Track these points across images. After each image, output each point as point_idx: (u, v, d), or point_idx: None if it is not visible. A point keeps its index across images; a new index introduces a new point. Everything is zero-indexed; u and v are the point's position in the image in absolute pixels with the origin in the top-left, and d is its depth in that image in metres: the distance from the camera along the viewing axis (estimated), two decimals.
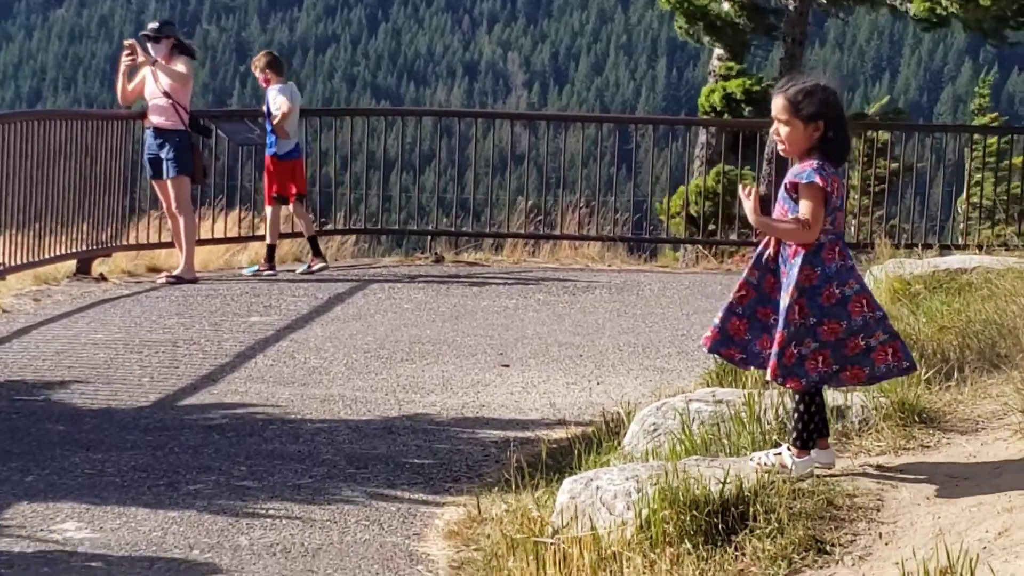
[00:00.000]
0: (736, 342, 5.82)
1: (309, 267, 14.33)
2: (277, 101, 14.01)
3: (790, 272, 5.69)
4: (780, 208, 5.78)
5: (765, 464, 5.78)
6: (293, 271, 14.26)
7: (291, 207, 14.47)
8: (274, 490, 7.03)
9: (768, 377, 5.70)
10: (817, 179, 5.63)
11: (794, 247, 5.70)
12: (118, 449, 7.72)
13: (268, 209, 14.41)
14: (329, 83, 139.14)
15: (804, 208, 5.64)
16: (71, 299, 12.58)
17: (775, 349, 5.65)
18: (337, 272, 14.51)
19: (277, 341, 10.76)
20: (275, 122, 14.02)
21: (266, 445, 7.87)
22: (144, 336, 10.87)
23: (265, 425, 8.30)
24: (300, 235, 15.70)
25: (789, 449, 5.78)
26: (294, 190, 14.31)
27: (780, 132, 5.77)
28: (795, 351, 5.63)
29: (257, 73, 14.41)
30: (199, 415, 8.53)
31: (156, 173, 13.70)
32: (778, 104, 5.76)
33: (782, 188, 5.77)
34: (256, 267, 14.29)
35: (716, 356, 6.11)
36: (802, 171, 5.67)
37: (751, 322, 5.79)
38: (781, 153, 5.89)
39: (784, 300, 5.67)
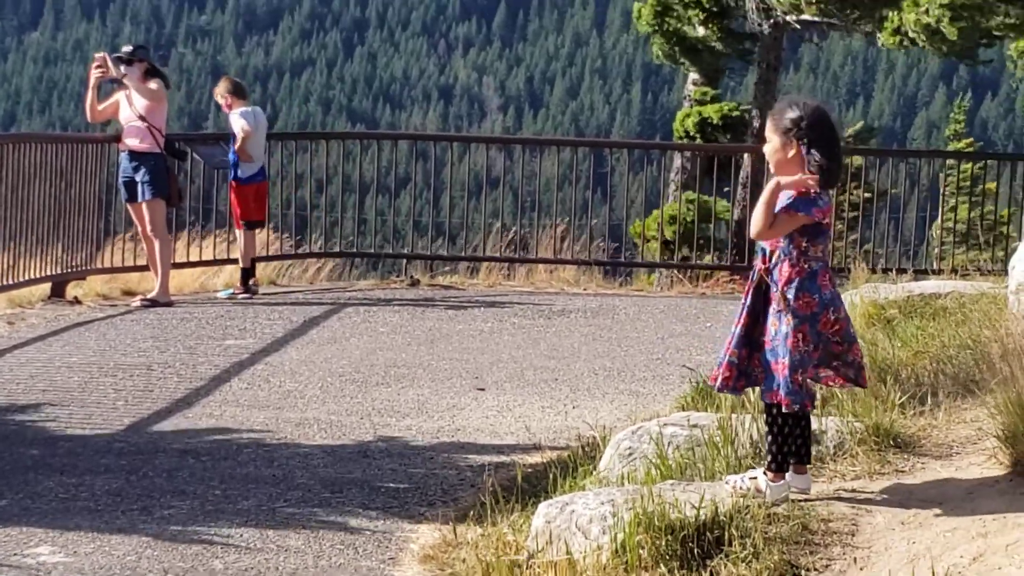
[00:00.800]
0: (742, 371, 5.83)
1: (236, 292, 14.24)
2: (238, 124, 14.04)
3: (779, 296, 5.68)
4: None
5: (740, 488, 5.78)
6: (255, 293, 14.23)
7: (241, 231, 14.35)
8: (249, 514, 7.01)
9: (784, 408, 5.68)
10: (814, 213, 5.65)
11: (788, 271, 5.69)
12: (92, 473, 7.69)
13: (239, 233, 14.40)
14: (304, 106, 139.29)
15: (780, 221, 5.66)
16: (45, 322, 12.53)
17: (781, 379, 5.65)
18: (312, 296, 14.50)
19: (252, 364, 10.73)
20: (236, 145, 14.04)
21: (241, 469, 7.84)
22: (119, 360, 10.84)
23: (240, 449, 8.27)
24: (276, 258, 15.71)
25: (764, 473, 5.79)
26: (259, 214, 14.35)
27: (766, 151, 5.79)
28: (799, 377, 5.65)
29: (219, 99, 14.42)
30: (173, 439, 8.50)
31: (131, 196, 13.65)
32: (766, 125, 5.80)
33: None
34: (231, 290, 14.27)
35: (723, 391, 6.09)
36: (805, 201, 5.67)
37: (751, 348, 5.81)
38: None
39: (780, 327, 5.66)
